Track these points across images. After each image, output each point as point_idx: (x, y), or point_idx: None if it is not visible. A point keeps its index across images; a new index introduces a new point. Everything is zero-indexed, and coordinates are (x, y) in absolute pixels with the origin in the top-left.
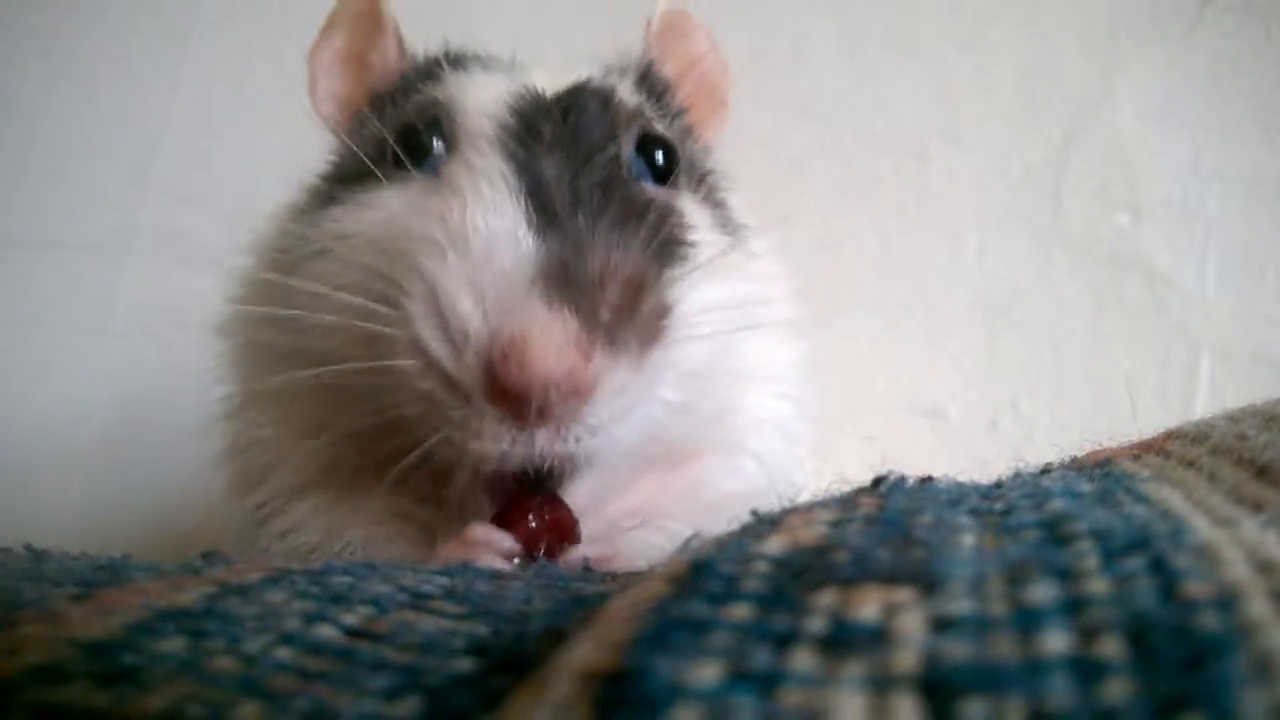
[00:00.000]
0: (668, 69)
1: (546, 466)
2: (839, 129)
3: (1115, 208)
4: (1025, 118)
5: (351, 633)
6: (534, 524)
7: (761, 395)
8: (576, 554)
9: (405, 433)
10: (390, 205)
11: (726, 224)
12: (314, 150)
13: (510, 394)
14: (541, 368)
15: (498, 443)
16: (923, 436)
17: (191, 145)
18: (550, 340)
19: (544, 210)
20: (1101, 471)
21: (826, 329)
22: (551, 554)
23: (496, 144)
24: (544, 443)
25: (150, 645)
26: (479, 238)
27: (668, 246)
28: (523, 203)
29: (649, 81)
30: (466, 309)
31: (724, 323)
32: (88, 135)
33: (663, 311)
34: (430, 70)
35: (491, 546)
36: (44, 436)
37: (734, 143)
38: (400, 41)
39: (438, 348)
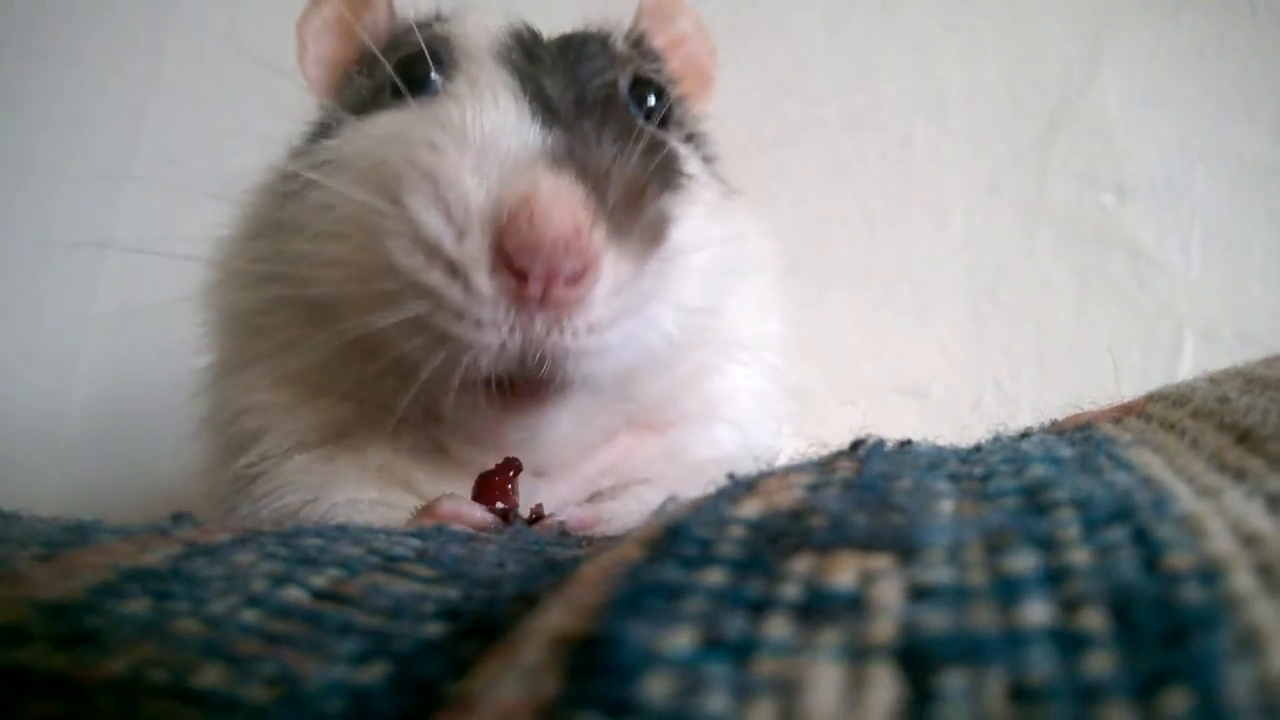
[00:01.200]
0: (656, 44)
1: (542, 368)
2: (823, 108)
3: (1100, 188)
4: (1010, 98)
5: (319, 595)
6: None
7: (739, 363)
8: (560, 516)
9: (398, 351)
10: (389, 122)
11: (715, 176)
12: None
13: (515, 261)
14: (549, 224)
15: (497, 330)
16: (907, 415)
17: (175, 130)
18: (557, 198)
19: (547, 113)
20: (1082, 435)
21: (811, 307)
22: (532, 522)
23: (499, 60)
24: (542, 328)
25: (113, 607)
26: (480, 130)
27: (664, 170)
28: (526, 106)
29: (640, 47)
30: (469, 187)
31: (718, 257)
32: (71, 123)
33: (664, 220)
34: (423, 24)
35: (461, 519)
36: (25, 424)
37: (717, 121)
38: (390, 5)
39: (439, 231)
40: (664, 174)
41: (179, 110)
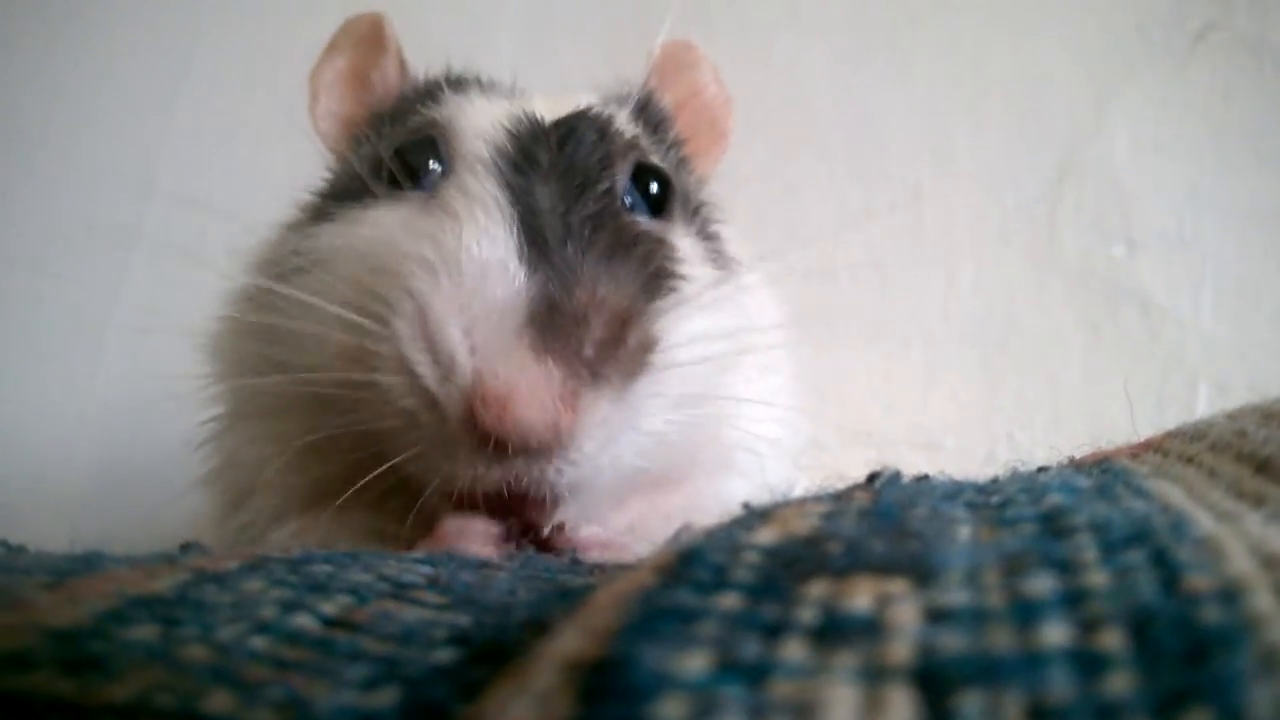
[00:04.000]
0: (667, 99)
1: (527, 493)
2: (833, 161)
3: (1110, 239)
4: (1019, 150)
5: (329, 622)
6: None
7: (753, 418)
8: (583, 532)
9: (383, 447)
10: (383, 222)
11: (718, 257)
12: (310, 169)
13: (489, 436)
14: (523, 423)
15: (470, 467)
16: (920, 468)
17: (189, 178)
18: (534, 396)
19: (536, 240)
20: (1100, 469)
21: (822, 359)
22: (547, 546)
23: (492, 168)
24: (522, 469)
25: (120, 633)
26: (471, 264)
27: (656, 279)
28: (515, 231)
29: (647, 112)
30: (455, 338)
31: (711, 352)
32: (87, 163)
33: (649, 344)
34: (430, 92)
35: (468, 535)
36: (31, 483)
37: (729, 174)
38: (402, 63)
39: (424, 368)
40: (656, 281)
41: (187, 179)
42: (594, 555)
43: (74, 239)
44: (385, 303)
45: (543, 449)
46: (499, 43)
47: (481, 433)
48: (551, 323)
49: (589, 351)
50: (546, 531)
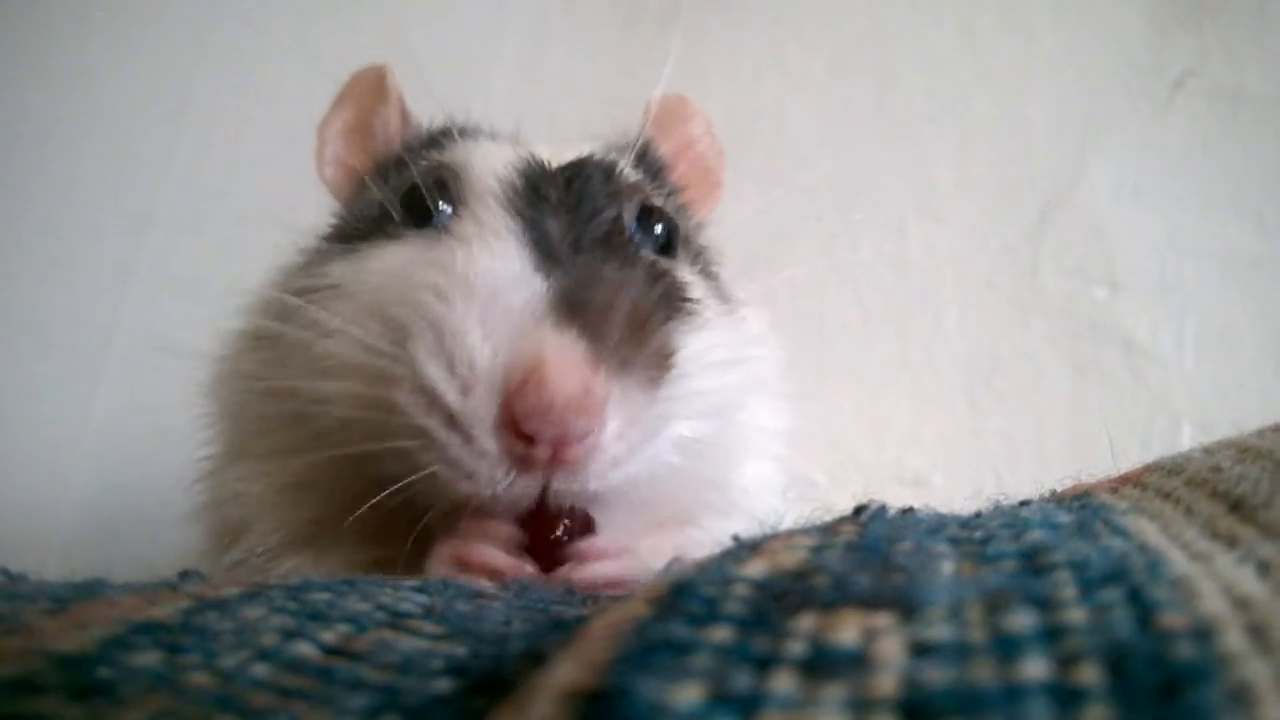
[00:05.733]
0: (664, 150)
1: (550, 506)
2: (820, 205)
3: (1092, 282)
4: (1002, 195)
5: (329, 650)
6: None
7: (758, 461)
8: (594, 544)
9: (392, 471)
10: (396, 256)
11: (720, 294)
12: (311, 205)
13: (524, 425)
14: (559, 389)
15: (493, 485)
16: (908, 504)
17: (183, 229)
18: (563, 359)
19: (549, 257)
20: (1079, 504)
21: (811, 400)
22: (547, 567)
23: (503, 203)
24: (549, 480)
25: (125, 659)
26: (485, 281)
27: (668, 300)
28: (528, 252)
29: (646, 160)
30: (474, 343)
31: (726, 371)
32: (74, 217)
33: (669, 350)
34: (435, 140)
35: (490, 536)
36: (24, 519)
37: (718, 219)
38: (404, 112)
39: (442, 384)
40: (668, 302)
41: (186, 208)
42: (606, 569)
43: (70, 270)
44: (401, 328)
45: (579, 438)
46: (492, 91)
47: (513, 423)
48: (575, 313)
49: (613, 340)
50: (562, 533)
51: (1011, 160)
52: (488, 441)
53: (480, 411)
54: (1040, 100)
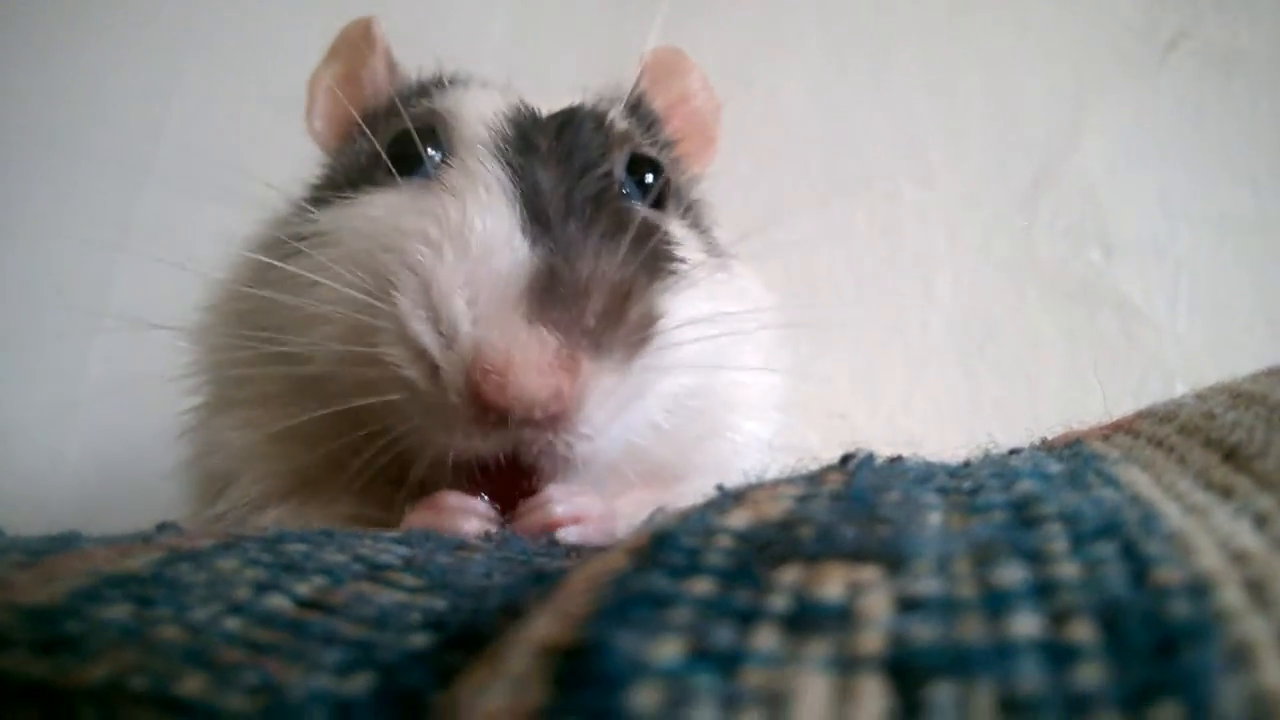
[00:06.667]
0: (658, 104)
1: (523, 464)
2: (812, 173)
3: (1086, 245)
4: (995, 160)
5: (304, 604)
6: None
7: (748, 418)
8: (577, 499)
9: (378, 424)
10: (384, 204)
11: (711, 247)
12: (304, 171)
13: (490, 408)
14: (525, 393)
15: (469, 438)
16: None
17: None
18: (529, 364)
19: (538, 217)
20: (1070, 452)
21: (804, 367)
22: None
23: (494, 151)
24: (531, 436)
25: (94, 612)
26: (474, 238)
27: (655, 259)
28: (517, 208)
29: (639, 111)
30: (459, 308)
31: (709, 334)
32: (67, 185)
33: (650, 319)
34: (425, 89)
35: (467, 511)
36: (17, 486)
37: (710, 185)
38: (391, 62)
39: (427, 338)
40: (655, 262)
41: (178, 175)
42: (584, 528)
43: (63, 239)
44: (387, 278)
45: (549, 420)
46: (484, 49)
47: (482, 404)
48: (552, 293)
49: (590, 321)
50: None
51: (1005, 124)
52: (461, 404)
53: (456, 374)
54: (1033, 63)
